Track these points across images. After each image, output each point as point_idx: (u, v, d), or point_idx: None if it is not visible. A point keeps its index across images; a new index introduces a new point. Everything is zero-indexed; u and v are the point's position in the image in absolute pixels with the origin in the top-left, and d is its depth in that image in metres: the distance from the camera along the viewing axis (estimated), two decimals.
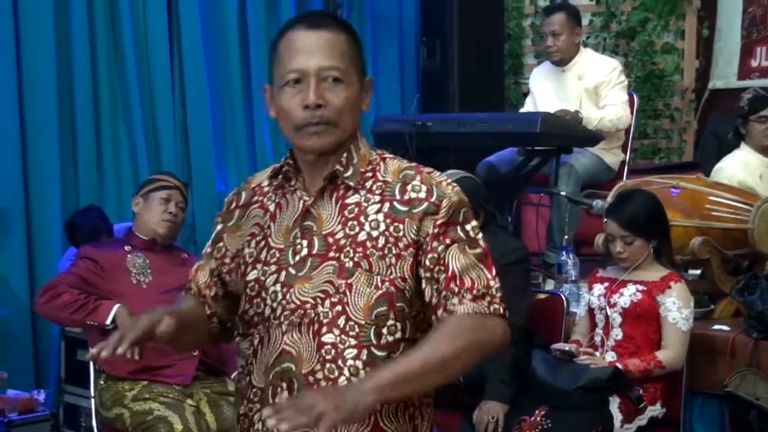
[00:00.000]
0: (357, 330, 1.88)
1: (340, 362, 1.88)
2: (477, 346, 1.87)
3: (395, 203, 1.92)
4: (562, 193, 4.75)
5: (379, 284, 1.88)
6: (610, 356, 3.68)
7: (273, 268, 1.95)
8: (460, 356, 1.84)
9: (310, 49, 1.89)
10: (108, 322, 3.69)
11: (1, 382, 4.31)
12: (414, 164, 1.98)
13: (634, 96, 5.68)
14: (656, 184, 4.31)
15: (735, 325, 4.05)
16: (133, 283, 3.86)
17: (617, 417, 3.58)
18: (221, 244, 2.06)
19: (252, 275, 1.97)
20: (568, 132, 4.83)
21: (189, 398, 3.73)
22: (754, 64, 6.54)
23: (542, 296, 4.33)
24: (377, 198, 1.93)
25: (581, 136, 4.95)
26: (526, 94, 6.08)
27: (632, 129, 5.60)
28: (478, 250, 1.92)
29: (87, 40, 5.28)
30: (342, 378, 1.87)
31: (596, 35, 6.80)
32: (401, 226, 1.90)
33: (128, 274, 3.88)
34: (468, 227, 1.93)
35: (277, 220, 1.99)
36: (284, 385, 1.91)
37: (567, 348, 3.72)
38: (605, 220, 3.83)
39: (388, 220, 1.90)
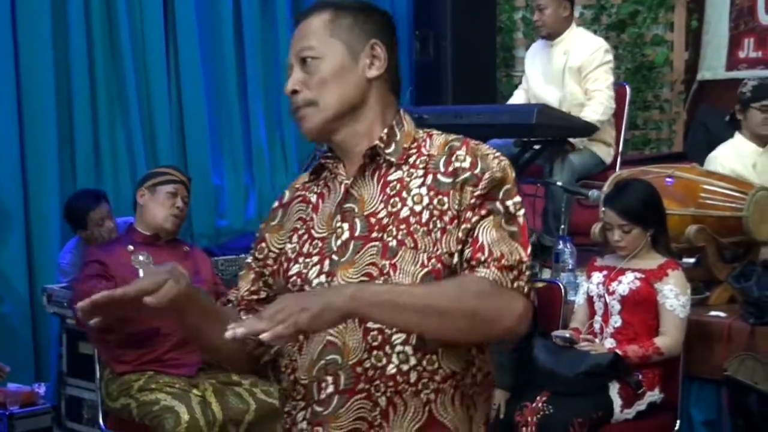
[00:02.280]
0: None
1: (387, 348, 1.74)
2: (485, 315, 1.70)
3: (439, 175, 1.78)
4: (558, 183, 4.78)
5: (425, 261, 1.74)
6: (609, 343, 3.73)
7: (315, 259, 1.82)
8: (460, 315, 1.69)
9: (292, 42, 1.86)
10: None
11: (3, 374, 4.33)
12: (461, 137, 1.85)
13: (627, 88, 5.71)
14: (652, 173, 4.35)
15: (730, 311, 4.08)
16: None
17: (617, 402, 3.64)
18: (263, 244, 1.93)
19: (294, 269, 1.84)
20: (564, 123, 4.86)
21: (195, 388, 3.76)
22: (741, 55, 6.57)
23: (540, 285, 4.35)
24: (420, 172, 1.80)
25: (577, 128, 4.99)
26: (517, 86, 6.10)
27: (624, 120, 5.63)
28: (513, 228, 1.77)
29: (84, 38, 5.33)
30: (391, 366, 1.74)
31: (587, 28, 6.80)
32: (446, 199, 1.76)
33: (136, 272, 3.88)
34: (509, 203, 1.78)
35: (319, 210, 1.87)
36: (329, 379, 1.77)
37: (567, 335, 3.78)
38: (603, 209, 3.86)
39: (431, 193, 1.77)
